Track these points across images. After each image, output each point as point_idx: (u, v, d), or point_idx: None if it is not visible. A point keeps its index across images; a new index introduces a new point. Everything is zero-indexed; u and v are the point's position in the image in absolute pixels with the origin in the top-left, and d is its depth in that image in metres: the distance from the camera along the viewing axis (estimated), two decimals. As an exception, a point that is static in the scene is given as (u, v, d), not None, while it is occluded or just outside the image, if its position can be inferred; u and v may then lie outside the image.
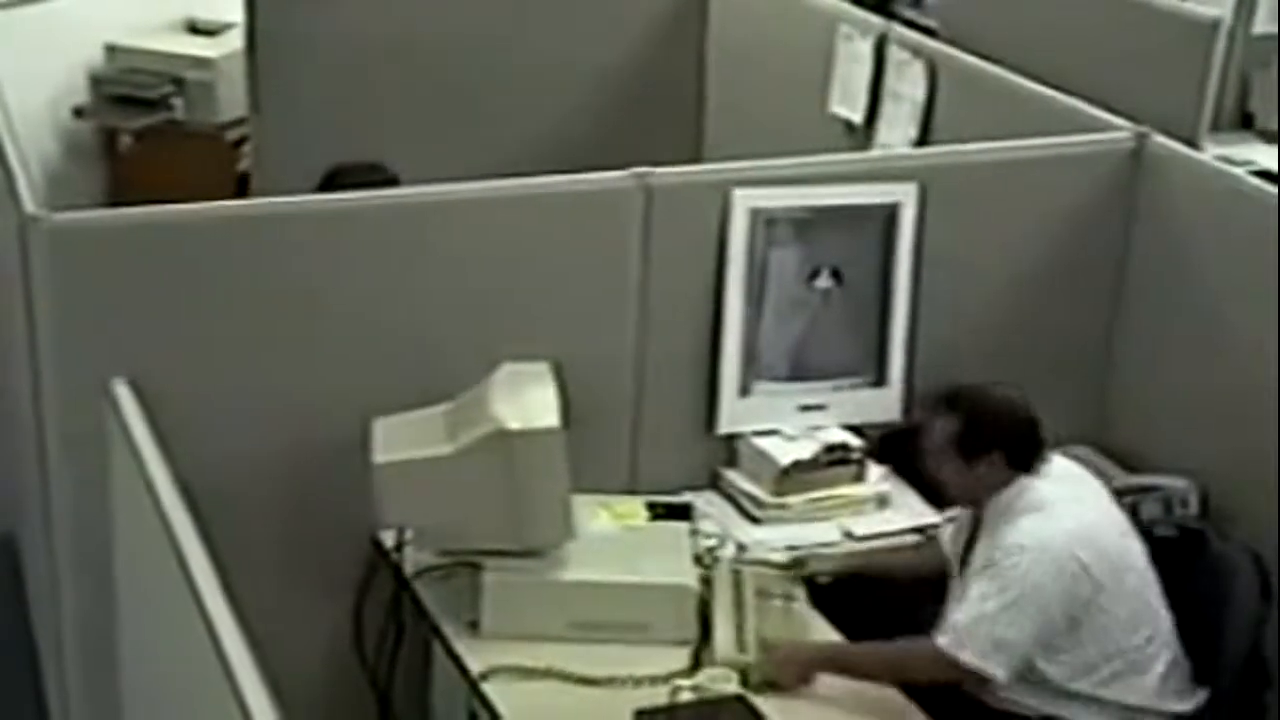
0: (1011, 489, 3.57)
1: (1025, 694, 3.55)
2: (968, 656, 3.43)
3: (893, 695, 3.47)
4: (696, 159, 5.73)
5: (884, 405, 4.30)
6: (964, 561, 3.63)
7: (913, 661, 3.50)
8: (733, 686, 3.41)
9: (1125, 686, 3.59)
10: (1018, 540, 3.48)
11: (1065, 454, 3.77)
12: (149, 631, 3.24)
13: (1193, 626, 3.68)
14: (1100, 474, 3.97)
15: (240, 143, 6.62)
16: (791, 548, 3.94)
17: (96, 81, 7.14)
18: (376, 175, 4.77)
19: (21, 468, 4.21)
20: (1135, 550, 3.64)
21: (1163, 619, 3.66)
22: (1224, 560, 3.75)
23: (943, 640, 3.46)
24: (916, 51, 5.04)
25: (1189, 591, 3.71)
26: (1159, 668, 3.62)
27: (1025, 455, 3.59)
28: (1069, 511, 3.55)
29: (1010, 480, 3.57)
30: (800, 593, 3.76)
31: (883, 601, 3.83)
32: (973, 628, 3.44)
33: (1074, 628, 3.52)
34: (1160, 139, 4.33)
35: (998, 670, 3.45)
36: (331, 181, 4.81)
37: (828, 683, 3.48)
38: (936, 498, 4.00)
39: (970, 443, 3.57)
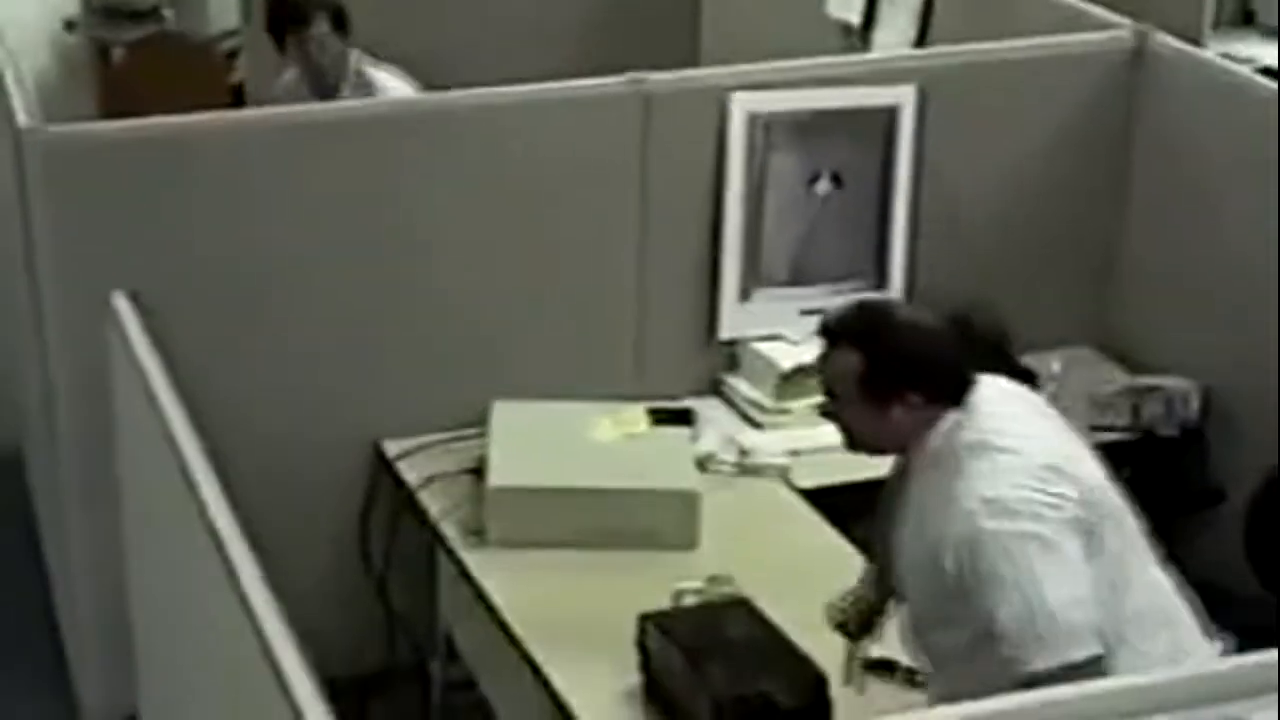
0: (941, 427, 2.79)
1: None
2: (1046, 659, 2.62)
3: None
4: (694, 63, 5.69)
5: (885, 308, 4.29)
6: (892, 517, 2.92)
7: None
8: (734, 589, 3.42)
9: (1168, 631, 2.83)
10: (975, 501, 2.69)
11: (1062, 356, 3.50)
12: (155, 544, 3.25)
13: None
14: (1102, 376, 3.97)
15: (233, 54, 6.57)
16: (793, 452, 3.94)
17: (86, -7, 7.10)
18: None
19: (25, 382, 4.21)
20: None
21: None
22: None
23: (1014, 661, 2.64)
24: (915, -49, 4.99)
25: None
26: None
27: (948, 388, 2.81)
28: (1016, 441, 2.76)
29: (936, 418, 2.80)
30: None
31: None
32: (1023, 622, 2.64)
33: (1099, 553, 2.72)
34: (1162, 37, 4.29)
35: (1087, 649, 2.63)
36: None
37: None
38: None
39: (876, 385, 2.79)
